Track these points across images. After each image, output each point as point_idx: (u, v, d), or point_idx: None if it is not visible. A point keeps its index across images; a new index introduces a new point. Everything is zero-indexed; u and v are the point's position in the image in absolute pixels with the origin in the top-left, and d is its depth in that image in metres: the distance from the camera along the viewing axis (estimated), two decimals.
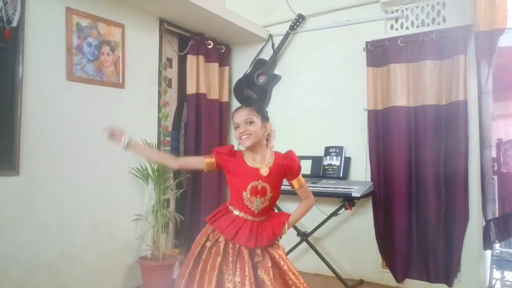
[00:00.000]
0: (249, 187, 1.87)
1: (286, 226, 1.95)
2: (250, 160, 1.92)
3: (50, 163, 2.72)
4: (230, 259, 1.83)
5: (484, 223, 3.01)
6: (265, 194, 1.89)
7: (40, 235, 2.66)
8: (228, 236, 1.85)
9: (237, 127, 1.93)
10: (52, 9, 2.76)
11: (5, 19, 2.44)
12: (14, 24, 2.49)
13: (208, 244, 1.89)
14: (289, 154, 1.97)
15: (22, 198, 2.57)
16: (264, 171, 1.89)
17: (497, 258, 3.11)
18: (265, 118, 1.96)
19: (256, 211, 1.89)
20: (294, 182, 1.97)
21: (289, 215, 1.98)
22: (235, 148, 1.97)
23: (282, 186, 1.97)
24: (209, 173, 3.72)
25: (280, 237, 1.96)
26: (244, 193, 1.87)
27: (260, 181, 1.88)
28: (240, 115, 1.92)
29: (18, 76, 2.54)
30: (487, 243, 3.00)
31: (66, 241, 2.81)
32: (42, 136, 2.68)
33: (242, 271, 1.80)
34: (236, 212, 1.91)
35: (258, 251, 1.87)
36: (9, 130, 2.51)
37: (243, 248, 1.85)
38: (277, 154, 1.98)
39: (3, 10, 2.43)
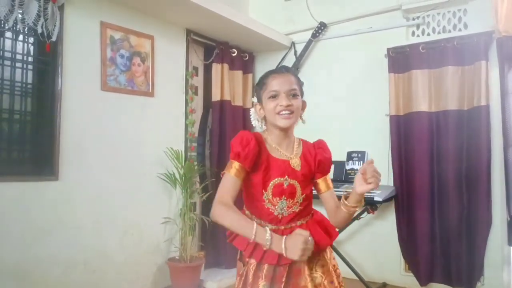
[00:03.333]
0: (270, 185, 1.42)
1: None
2: (274, 148, 1.46)
3: (86, 169, 2.88)
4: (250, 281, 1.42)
5: (508, 219, 3.02)
6: (293, 195, 1.43)
7: (77, 237, 2.82)
8: (246, 254, 1.42)
9: (274, 96, 1.42)
10: (87, 24, 2.93)
11: (45, 34, 2.60)
12: (54, 38, 2.66)
13: (242, 269, 1.49)
14: (320, 144, 1.54)
15: (61, 202, 2.74)
16: (296, 164, 1.45)
17: None
18: (302, 93, 1.50)
19: (280, 217, 1.43)
20: (321, 183, 1.51)
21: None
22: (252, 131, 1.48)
23: None
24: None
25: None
26: (264, 193, 1.42)
27: (286, 177, 1.42)
28: (285, 82, 1.42)
29: (58, 87, 2.72)
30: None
31: (101, 242, 2.97)
32: (79, 144, 2.85)
33: None
34: (254, 219, 1.44)
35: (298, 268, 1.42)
36: (50, 138, 2.69)
37: (265, 267, 1.41)
38: (304, 142, 1.54)
39: (43, 26, 2.59)
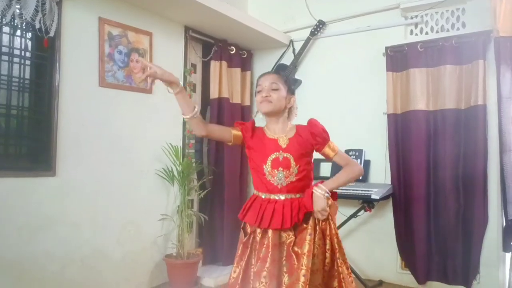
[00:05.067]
0: (269, 159, 1.77)
1: (320, 189, 1.73)
2: (268, 131, 1.84)
3: (83, 165, 2.88)
4: (257, 247, 1.76)
5: (504, 225, 3.05)
6: (288, 166, 1.76)
7: (74, 233, 2.81)
8: (253, 223, 1.77)
9: (260, 91, 1.82)
10: (86, 19, 2.92)
11: (43, 29, 2.59)
12: (52, 34, 2.65)
13: (248, 229, 1.84)
14: (310, 121, 1.87)
15: (58, 198, 2.73)
16: (283, 142, 1.80)
17: None
18: (290, 91, 1.87)
19: (279, 186, 1.77)
20: (327, 150, 1.83)
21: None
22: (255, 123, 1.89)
23: None
24: (232, 165, 3.86)
25: (321, 212, 1.74)
26: (264, 167, 1.78)
27: (280, 151, 1.77)
28: (266, 79, 1.82)
29: (55, 83, 2.71)
30: (508, 245, 3.03)
31: (98, 239, 2.96)
32: (77, 139, 2.84)
33: (263, 255, 1.72)
34: (262, 195, 1.81)
35: (291, 231, 1.76)
36: (47, 134, 2.68)
37: (269, 232, 1.74)
38: (298, 126, 1.88)
39: (41, 21, 2.58)
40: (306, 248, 1.71)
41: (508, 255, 3.19)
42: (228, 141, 1.84)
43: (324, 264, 1.79)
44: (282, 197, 1.77)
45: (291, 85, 1.90)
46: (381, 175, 3.69)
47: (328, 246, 1.79)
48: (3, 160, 2.54)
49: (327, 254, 1.79)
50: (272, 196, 1.78)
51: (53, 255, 2.69)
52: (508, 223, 3.01)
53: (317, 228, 1.78)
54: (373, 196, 3.27)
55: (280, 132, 1.82)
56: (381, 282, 3.60)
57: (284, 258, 1.74)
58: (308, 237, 1.73)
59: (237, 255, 1.85)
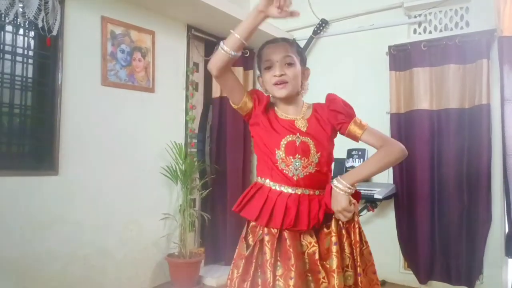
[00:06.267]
0: (283, 142, 1.39)
1: (341, 184, 1.33)
2: (279, 113, 1.46)
3: (86, 164, 2.88)
4: (267, 260, 1.34)
5: (507, 231, 3.03)
6: (308, 153, 1.39)
7: (76, 232, 2.81)
8: (261, 222, 1.37)
9: (269, 67, 1.43)
10: (88, 18, 2.91)
11: (46, 28, 2.59)
12: (54, 33, 2.64)
13: (250, 240, 1.43)
14: (328, 96, 1.51)
15: (61, 197, 2.73)
16: (302, 124, 1.43)
17: None
18: (304, 61, 1.50)
19: (295, 178, 1.38)
20: (353, 128, 1.44)
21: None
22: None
23: None
24: (234, 164, 3.83)
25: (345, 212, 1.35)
26: (277, 152, 1.39)
27: (298, 134, 1.40)
28: (277, 51, 1.42)
29: (58, 81, 2.71)
30: (511, 251, 3.02)
31: (100, 238, 2.96)
32: (79, 138, 2.84)
33: (284, 270, 1.33)
34: (268, 183, 1.41)
35: (312, 237, 1.39)
36: (50, 133, 2.68)
37: (285, 233, 1.36)
38: (316, 104, 1.53)
39: (44, 20, 2.57)
40: (334, 263, 1.34)
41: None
42: (235, 103, 1.44)
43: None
44: (299, 192, 1.39)
45: (304, 54, 1.52)
46: (384, 174, 3.67)
47: (347, 261, 1.40)
48: (6, 159, 2.54)
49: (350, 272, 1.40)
50: (285, 189, 1.39)
51: (55, 253, 2.69)
52: (511, 229, 2.99)
53: (343, 232, 1.41)
54: (376, 196, 3.26)
55: (294, 113, 1.46)
56: (383, 282, 3.59)
57: (308, 274, 1.37)
58: (334, 248, 1.36)
59: (238, 275, 1.39)
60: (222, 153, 3.89)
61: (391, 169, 3.56)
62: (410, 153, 3.45)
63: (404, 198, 3.47)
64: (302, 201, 1.37)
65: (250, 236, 1.44)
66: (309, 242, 1.39)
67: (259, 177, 1.46)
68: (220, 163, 3.87)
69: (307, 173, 1.39)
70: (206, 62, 3.93)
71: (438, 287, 3.39)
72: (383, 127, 3.62)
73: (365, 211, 3.41)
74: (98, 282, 2.94)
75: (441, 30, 3.49)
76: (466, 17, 3.38)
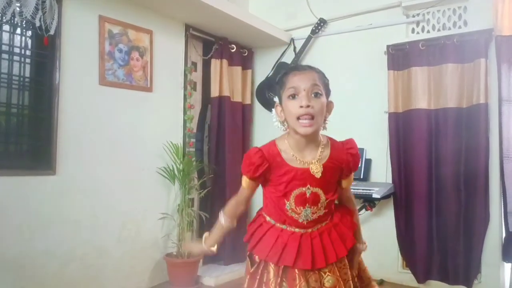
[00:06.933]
0: (292, 195, 1.37)
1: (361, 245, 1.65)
2: (292, 156, 1.36)
3: (84, 164, 2.87)
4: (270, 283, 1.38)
5: (504, 236, 3.04)
6: (316, 202, 1.38)
7: (74, 231, 2.81)
8: (272, 260, 1.38)
9: (293, 95, 1.30)
10: (86, 18, 2.91)
11: (43, 27, 2.58)
12: (52, 32, 2.64)
13: (257, 257, 1.45)
14: (351, 143, 1.44)
15: (58, 196, 2.73)
16: (317, 170, 1.34)
17: None
18: (329, 94, 1.37)
19: (305, 222, 1.40)
20: (344, 181, 1.47)
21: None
22: (259, 146, 1.42)
23: None
24: (233, 163, 3.82)
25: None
26: (287, 203, 1.38)
27: (308, 186, 1.35)
28: (306, 78, 1.30)
29: (55, 81, 2.70)
30: (507, 255, 3.02)
31: (98, 237, 2.96)
32: (77, 138, 2.83)
33: None
34: (277, 225, 1.43)
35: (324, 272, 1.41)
36: (47, 132, 2.68)
37: (296, 272, 1.37)
38: (333, 143, 1.42)
39: (41, 19, 2.57)
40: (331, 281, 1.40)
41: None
42: (251, 196, 1.48)
43: None
44: (309, 230, 1.42)
45: (329, 85, 1.40)
46: (382, 174, 3.67)
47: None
48: (3, 159, 2.54)
49: None
50: (294, 229, 1.41)
51: (53, 253, 2.68)
52: (508, 234, 2.99)
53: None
54: (374, 195, 3.26)
55: (310, 155, 1.36)
56: (382, 282, 3.59)
57: None
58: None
59: None
60: (221, 153, 3.89)
61: (389, 169, 3.56)
62: (408, 153, 3.50)
63: (402, 198, 3.46)
64: (314, 237, 1.41)
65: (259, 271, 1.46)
66: (319, 275, 1.42)
67: (268, 217, 1.47)
68: (218, 162, 3.87)
69: (317, 216, 1.41)
70: (204, 61, 3.96)
71: (437, 287, 3.39)
72: (381, 126, 3.62)
73: (363, 210, 3.41)
74: (96, 281, 2.93)
75: (439, 30, 3.49)
76: (464, 17, 3.38)
